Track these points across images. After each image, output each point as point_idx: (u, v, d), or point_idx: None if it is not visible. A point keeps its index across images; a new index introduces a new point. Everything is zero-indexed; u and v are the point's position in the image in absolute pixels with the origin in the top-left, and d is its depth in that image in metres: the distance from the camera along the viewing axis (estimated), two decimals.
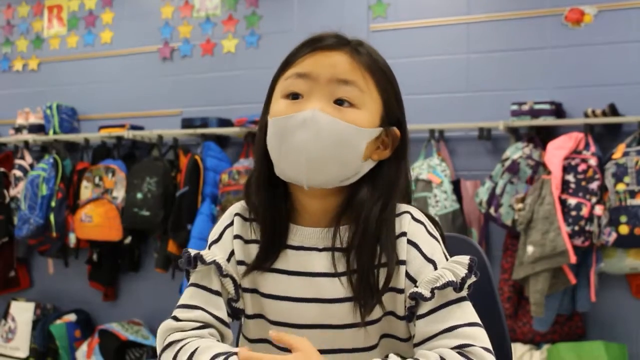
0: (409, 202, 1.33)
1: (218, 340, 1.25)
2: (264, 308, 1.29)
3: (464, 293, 1.20)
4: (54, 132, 5.09)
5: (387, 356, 1.16)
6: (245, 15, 4.81)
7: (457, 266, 1.19)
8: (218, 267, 1.25)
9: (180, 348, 1.20)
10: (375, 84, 1.25)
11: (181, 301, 1.28)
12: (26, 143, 5.20)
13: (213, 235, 1.34)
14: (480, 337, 1.17)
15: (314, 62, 1.23)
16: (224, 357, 1.15)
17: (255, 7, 4.78)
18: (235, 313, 1.31)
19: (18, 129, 5.23)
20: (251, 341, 1.34)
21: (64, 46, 5.39)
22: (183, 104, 4.95)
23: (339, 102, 1.21)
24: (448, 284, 1.17)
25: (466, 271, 1.18)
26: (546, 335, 3.80)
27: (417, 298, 1.18)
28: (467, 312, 1.20)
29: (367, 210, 1.23)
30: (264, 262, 1.27)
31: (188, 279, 1.30)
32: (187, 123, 4.69)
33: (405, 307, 1.23)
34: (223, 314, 1.26)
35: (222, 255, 1.29)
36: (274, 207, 1.28)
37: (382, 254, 1.23)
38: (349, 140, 1.20)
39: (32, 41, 5.51)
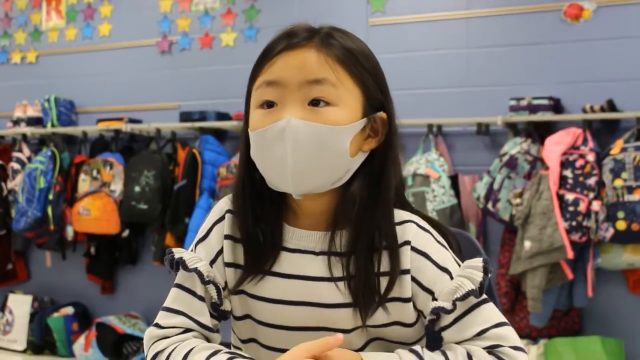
0: (402, 195, 1.29)
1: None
2: (252, 309, 1.26)
3: (484, 295, 1.19)
4: (52, 125, 5.09)
5: (411, 350, 1.15)
6: (244, 9, 4.80)
7: (474, 271, 1.17)
8: (199, 275, 1.21)
9: (170, 354, 1.18)
10: (349, 74, 1.17)
11: (166, 303, 1.25)
12: (24, 136, 5.19)
13: (201, 232, 1.29)
14: (509, 337, 1.16)
15: (281, 66, 1.16)
16: (227, 355, 1.15)
17: (254, 0, 4.77)
18: (222, 315, 1.27)
19: (16, 122, 5.22)
20: (242, 341, 1.31)
21: (63, 39, 5.38)
22: (181, 97, 4.94)
23: (314, 102, 1.15)
24: (469, 293, 1.15)
25: (483, 274, 1.16)
26: (543, 330, 3.80)
27: (439, 312, 1.16)
28: (491, 313, 1.18)
29: (360, 206, 1.19)
30: (258, 267, 1.23)
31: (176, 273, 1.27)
32: (185, 116, 4.69)
33: (418, 317, 1.22)
34: (206, 319, 1.23)
35: (206, 257, 1.25)
36: (262, 215, 1.24)
37: (381, 259, 1.20)
38: (330, 142, 1.15)
39: (31, 34, 5.50)
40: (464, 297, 1.15)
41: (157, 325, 1.23)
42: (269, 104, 1.18)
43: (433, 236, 1.24)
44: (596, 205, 3.57)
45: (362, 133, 1.20)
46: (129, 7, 5.17)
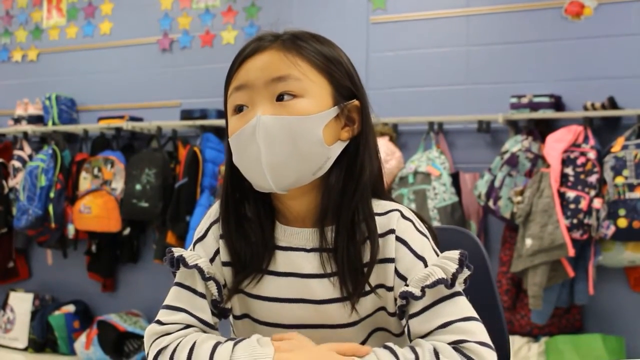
0: (381, 184, 1.29)
1: None
2: (250, 308, 1.27)
3: (458, 288, 1.18)
4: (53, 123, 5.09)
5: (384, 346, 1.16)
6: (245, 7, 4.80)
7: (448, 262, 1.17)
8: (200, 271, 1.23)
9: (174, 349, 1.18)
10: (312, 66, 1.20)
11: (166, 302, 1.26)
12: (25, 134, 5.20)
13: (198, 232, 1.31)
14: (475, 331, 1.15)
15: (246, 70, 1.21)
16: (233, 342, 1.15)
17: None
18: (223, 313, 1.28)
19: (17, 120, 5.22)
20: None
21: (63, 37, 5.38)
22: (182, 95, 4.94)
23: (280, 97, 1.18)
24: (438, 281, 1.14)
25: (457, 266, 1.16)
26: (544, 327, 3.80)
27: (407, 297, 1.16)
28: (461, 306, 1.17)
29: (338, 195, 1.21)
30: (254, 266, 1.24)
31: (174, 275, 1.28)
32: (186, 114, 4.69)
33: (396, 305, 1.21)
34: (207, 316, 1.24)
35: (205, 255, 1.27)
36: (252, 217, 1.26)
37: (366, 249, 1.21)
38: (301, 132, 1.17)
39: (31, 32, 5.50)
40: (433, 285, 1.15)
41: (159, 322, 1.24)
42: (240, 108, 1.21)
43: (414, 224, 1.24)
44: (597, 203, 3.56)
45: (338, 122, 1.22)
46: (130, 5, 5.17)
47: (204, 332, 1.24)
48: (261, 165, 1.16)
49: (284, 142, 1.16)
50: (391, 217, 1.23)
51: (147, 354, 1.23)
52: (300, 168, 1.18)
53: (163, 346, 1.20)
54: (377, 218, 1.23)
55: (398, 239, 1.21)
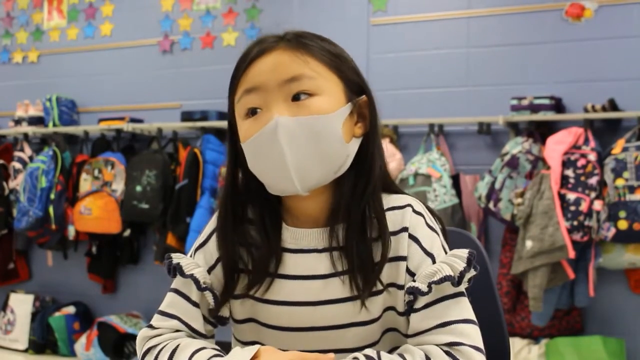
0: (389, 178, 1.29)
1: None
2: (257, 313, 1.26)
3: (462, 288, 1.18)
4: (54, 125, 5.09)
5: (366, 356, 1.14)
6: (246, 9, 4.80)
7: (456, 260, 1.16)
8: (195, 281, 1.22)
9: (160, 351, 1.19)
10: (323, 63, 1.19)
11: (161, 307, 1.26)
12: (26, 135, 5.20)
13: (200, 238, 1.30)
14: (472, 335, 1.15)
15: (256, 72, 1.18)
16: (213, 353, 1.15)
17: (255, 0, 4.77)
18: (220, 321, 1.27)
19: (17, 121, 5.22)
20: (245, 344, 1.30)
21: (64, 38, 5.39)
22: (183, 96, 4.94)
23: (296, 96, 1.16)
24: (445, 278, 1.14)
25: (465, 265, 1.15)
26: (544, 329, 3.80)
27: (414, 293, 1.16)
28: (462, 308, 1.17)
29: (350, 193, 1.20)
30: (260, 271, 1.23)
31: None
32: (187, 116, 4.69)
33: (405, 302, 1.20)
34: (199, 325, 1.24)
35: (205, 263, 1.26)
36: (257, 219, 1.25)
37: (377, 246, 1.20)
38: (323, 131, 1.16)
39: (32, 33, 5.50)
40: (440, 282, 1.14)
41: (151, 327, 1.25)
42: (254, 111, 1.19)
43: (425, 219, 1.24)
44: (598, 205, 3.56)
45: (351, 118, 1.21)
46: (131, 6, 5.17)
47: (195, 339, 1.24)
48: (287, 167, 1.15)
49: (307, 142, 1.15)
50: (405, 212, 1.23)
51: (139, 357, 1.24)
52: (323, 167, 1.18)
53: (152, 345, 1.22)
54: (393, 212, 1.23)
55: (410, 236, 1.21)
